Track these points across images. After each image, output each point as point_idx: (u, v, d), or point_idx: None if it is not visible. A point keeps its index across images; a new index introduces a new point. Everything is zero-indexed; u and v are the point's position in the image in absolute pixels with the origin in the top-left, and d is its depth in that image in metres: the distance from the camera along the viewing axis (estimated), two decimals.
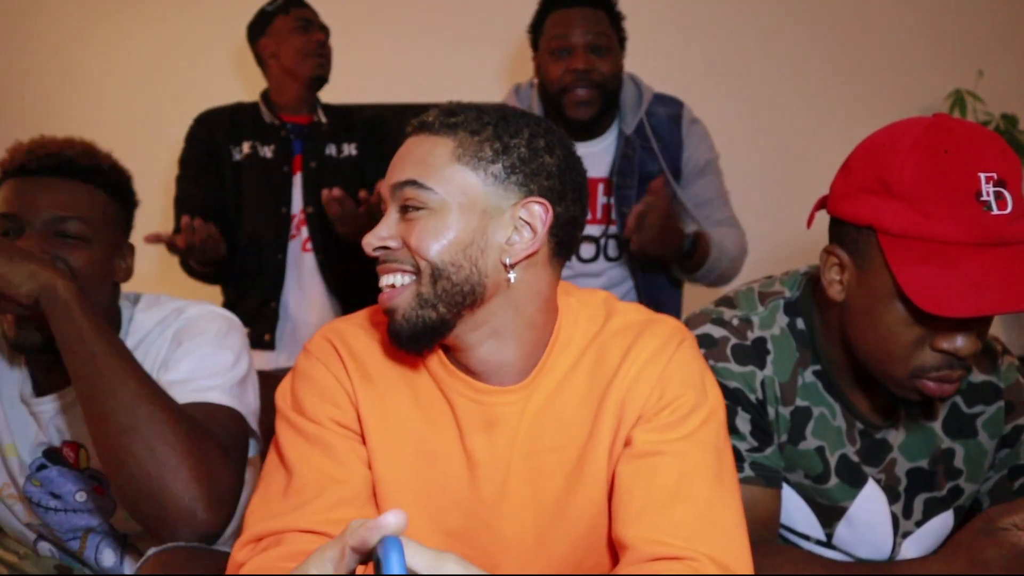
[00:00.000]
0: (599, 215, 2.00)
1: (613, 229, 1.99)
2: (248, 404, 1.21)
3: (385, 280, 0.93)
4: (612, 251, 2.01)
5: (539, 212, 0.92)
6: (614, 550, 0.96)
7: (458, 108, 0.95)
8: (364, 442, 0.98)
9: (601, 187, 1.99)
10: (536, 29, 2.00)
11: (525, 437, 0.97)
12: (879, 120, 1.09)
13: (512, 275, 0.92)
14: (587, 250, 2.01)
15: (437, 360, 0.98)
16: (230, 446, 1.09)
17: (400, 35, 2.87)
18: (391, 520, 0.61)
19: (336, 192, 1.76)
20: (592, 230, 2.00)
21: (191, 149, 2.17)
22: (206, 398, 1.14)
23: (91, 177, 1.18)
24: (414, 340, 0.92)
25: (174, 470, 1.00)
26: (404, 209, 0.92)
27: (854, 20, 2.93)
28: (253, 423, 1.22)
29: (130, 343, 1.22)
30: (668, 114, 2.00)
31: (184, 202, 2.12)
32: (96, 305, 1.11)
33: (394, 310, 0.92)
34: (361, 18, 2.79)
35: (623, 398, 0.95)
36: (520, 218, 0.92)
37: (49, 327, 1.05)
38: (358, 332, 1.01)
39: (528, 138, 0.93)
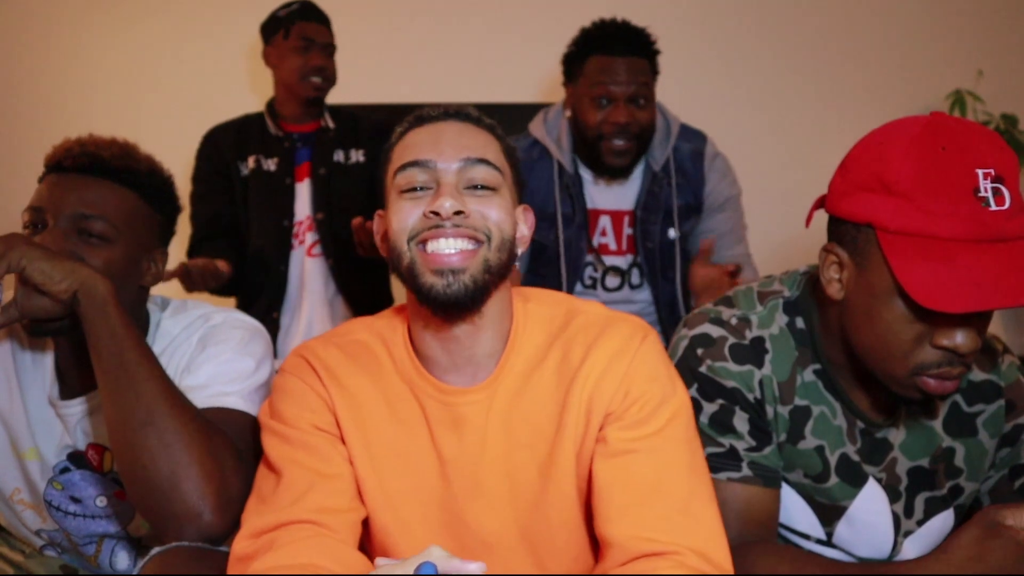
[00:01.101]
0: (624, 246, 2.04)
1: (638, 259, 2.03)
2: None
3: (453, 245, 0.96)
4: (636, 279, 2.05)
5: (529, 217, 1.06)
6: (592, 538, 1.01)
7: (472, 110, 1.04)
8: (344, 443, 1.02)
9: (626, 219, 2.03)
10: (573, 64, 1.98)
11: (497, 436, 1.01)
12: (879, 120, 1.09)
13: (516, 263, 1.02)
14: (612, 280, 2.05)
15: (410, 363, 1.03)
16: (243, 451, 1.10)
17: (404, 36, 2.87)
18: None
19: (369, 225, 1.80)
20: (618, 261, 2.04)
21: (200, 167, 2.21)
22: (223, 403, 1.14)
23: (124, 178, 1.18)
24: (473, 300, 0.96)
25: (186, 468, 1.01)
26: (472, 186, 0.98)
27: (854, 20, 2.93)
28: None
29: (157, 348, 1.23)
30: (691, 150, 2.03)
31: (197, 219, 2.17)
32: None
33: (464, 270, 0.95)
34: (365, 18, 2.80)
35: (590, 394, 0.99)
36: (520, 217, 1.05)
37: (69, 319, 1.07)
38: (329, 347, 1.06)
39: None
